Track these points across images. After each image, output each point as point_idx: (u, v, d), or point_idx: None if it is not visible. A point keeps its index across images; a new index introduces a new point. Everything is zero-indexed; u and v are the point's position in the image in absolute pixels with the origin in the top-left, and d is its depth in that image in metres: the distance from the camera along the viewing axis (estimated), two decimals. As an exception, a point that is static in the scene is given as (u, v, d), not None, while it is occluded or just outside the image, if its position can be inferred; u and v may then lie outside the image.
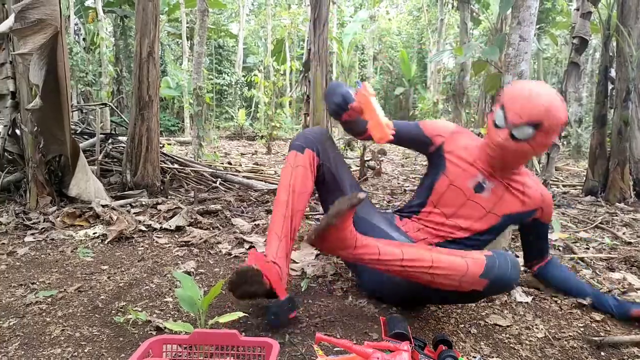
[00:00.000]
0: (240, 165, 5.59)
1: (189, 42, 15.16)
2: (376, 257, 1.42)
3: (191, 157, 5.47)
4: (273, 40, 13.78)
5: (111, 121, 5.22)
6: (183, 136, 12.42)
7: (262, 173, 4.98)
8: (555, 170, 6.58)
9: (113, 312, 1.64)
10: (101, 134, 3.95)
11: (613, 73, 4.34)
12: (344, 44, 15.63)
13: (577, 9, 4.07)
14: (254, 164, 6.87)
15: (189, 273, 2.03)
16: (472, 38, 9.34)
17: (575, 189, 4.78)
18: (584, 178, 4.54)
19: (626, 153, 3.98)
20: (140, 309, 1.65)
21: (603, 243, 2.73)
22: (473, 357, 1.26)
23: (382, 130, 1.39)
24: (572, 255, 2.44)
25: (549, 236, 2.81)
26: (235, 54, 18.63)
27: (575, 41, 4.02)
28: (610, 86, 4.32)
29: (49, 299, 1.72)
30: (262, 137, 10.01)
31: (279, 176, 4.79)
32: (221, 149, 10.39)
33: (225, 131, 15.61)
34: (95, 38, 10.16)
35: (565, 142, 10.27)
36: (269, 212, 3.24)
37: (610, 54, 4.32)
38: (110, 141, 3.95)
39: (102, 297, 1.76)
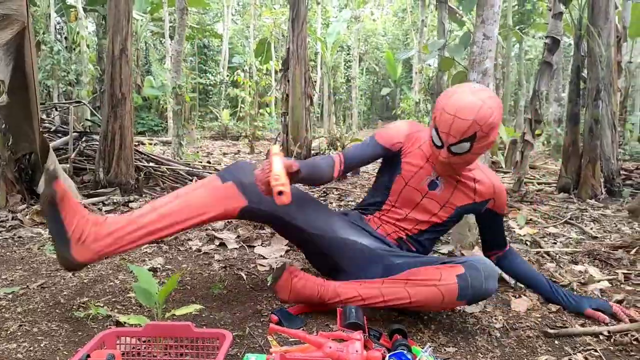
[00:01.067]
0: (220, 164, 5.58)
1: (172, 41, 15.05)
2: (361, 302, 1.51)
3: (169, 157, 5.43)
4: (256, 40, 13.75)
5: (86, 119, 5.16)
6: (167, 136, 12.33)
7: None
8: (533, 168, 6.68)
9: (74, 307, 1.63)
10: (75, 132, 3.91)
11: (585, 72, 4.43)
12: (328, 44, 15.66)
13: (550, 10, 4.14)
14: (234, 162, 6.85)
15: (155, 269, 2.03)
16: (450, 39, 9.45)
17: (550, 187, 4.86)
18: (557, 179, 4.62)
19: (597, 150, 4.06)
20: (102, 305, 1.64)
21: (570, 238, 2.78)
22: (429, 346, 1.28)
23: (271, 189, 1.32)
24: (538, 250, 2.49)
25: (519, 231, 2.88)
26: (220, 53, 18.54)
27: (547, 41, 4.10)
28: (582, 85, 4.41)
29: (10, 296, 1.70)
30: (245, 136, 9.98)
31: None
32: (204, 149, 10.34)
33: (210, 131, 15.52)
34: (76, 37, 10.03)
35: (545, 142, 10.43)
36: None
37: (582, 53, 4.40)
38: (84, 139, 3.91)
39: (64, 293, 1.75)
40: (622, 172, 4.43)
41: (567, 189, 4.31)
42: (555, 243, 2.69)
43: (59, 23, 12.28)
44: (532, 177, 5.51)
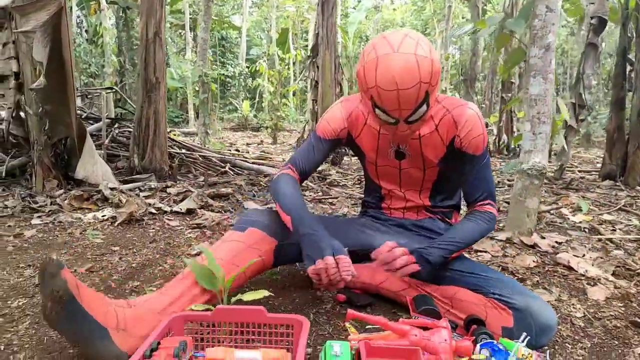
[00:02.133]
0: (248, 152, 5.50)
1: (192, 32, 15.03)
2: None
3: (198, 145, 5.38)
4: (277, 30, 13.62)
5: (118, 107, 5.09)
6: (188, 128, 12.33)
7: (270, 160, 4.89)
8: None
9: (127, 291, 1.55)
10: (107, 118, 3.85)
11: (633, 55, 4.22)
12: (349, 33, 15.46)
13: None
14: (261, 152, 6.78)
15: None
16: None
17: (591, 175, 4.67)
18: (598, 165, 4.43)
19: (646, 135, 3.86)
20: (154, 289, 1.56)
21: (630, 225, 2.63)
22: (526, 336, 1.17)
23: None
24: (600, 237, 2.35)
25: (573, 218, 2.73)
26: (238, 45, 18.48)
27: (593, 21, 3.90)
28: (628, 68, 4.20)
29: (59, 280, 1.63)
30: (267, 127, 9.90)
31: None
32: (226, 140, 10.30)
33: (230, 122, 15.52)
34: (98, 28, 10.05)
35: (580, 126, 10.13)
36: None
37: (629, 34, 4.19)
38: (116, 126, 3.86)
39: (114, 277, 1.68)
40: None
41: (612, 177, 4.12)
42: (615, 230, 2.54)
43: (79, 17, 12.34)
44: (570, 166, 5.31)
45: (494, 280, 1.32)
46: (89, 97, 4.48)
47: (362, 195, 1.73)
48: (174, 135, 8.47)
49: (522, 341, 1.10)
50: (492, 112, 12.62)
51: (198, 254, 1.89)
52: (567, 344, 1.30)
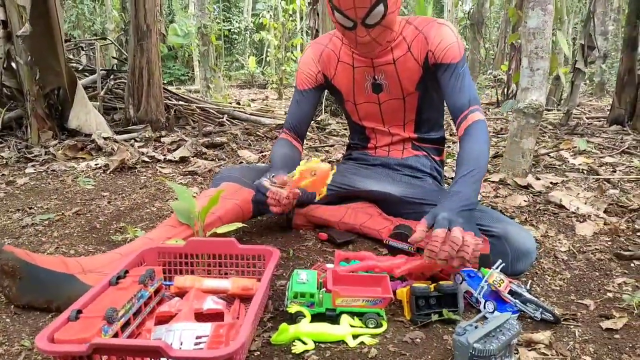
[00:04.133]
0: (249, 106, 5.44)
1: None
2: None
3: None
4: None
5: (112, 57, 4.99)
6: (194, 85, 12.21)
7: (272, 112, 4.83)
8: (578, 105, 6.28)
9: (111, 232, 1.57)
10: (102, 69, 3.81)
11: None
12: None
13: None
14: (263, 106, 6.71)
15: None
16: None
17: (599, 121, 4.54)
18: (608, 113, 4.28)
19: (658, 78, 3.71)
20: (139, 230, 1.57)
21: (631, 166, 2.56)
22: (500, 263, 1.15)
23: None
24: (597, 177, 2.29)
25: (573, 160, 2.67)
26: (243, 0, 17.97)
27: (606, -45, 3.67)
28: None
29: (46, 222, 1.66)
30: (273, 82, 9.76)
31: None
32: (232, 97, 10.20)
33: (236, 80, 15.32)
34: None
35: (588, 80, 9.81)
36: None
37: (645, -31, 3.94)
38: (111, 77, 3.81)
39: (100, 219, 1.69)
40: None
41: (620, 121, 3.99)
42: (615, 171, 2.48)
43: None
44: (578, 112, 5.17)
45: (477, 212, 1.30)
46: (84, 49, 4.42)
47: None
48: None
49: (497, 268, 1.08)
50: (504, 62, 12.26)
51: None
52: (546, 276, 1.29)
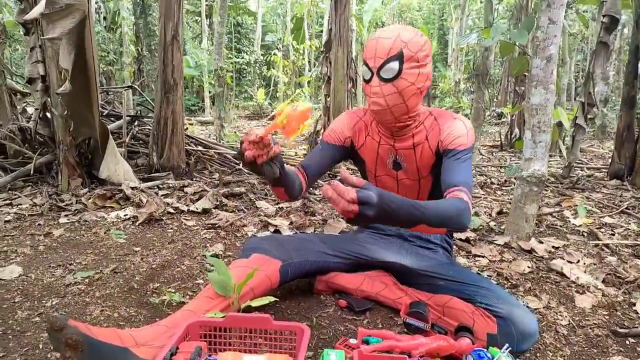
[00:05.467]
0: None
1: (208, 20, 15.09)
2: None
3: (213, 139, 5.53)
4: (292, 18, 13.61)
5: (134, 102, 5.19)
6: (203, 116, 12.50)
7: (282, 154, 5.01)
8: (580, 152, 6.46)
9: (148, 293, 1.71)
10: (127, 116, 4.01)
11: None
12: (364, 21, 15.37)
13: (609, -13, 3.93)
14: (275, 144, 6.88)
15: (217, 256, 2.10)
16: (497, 15, 9.13)
17: (600, 172, 4.70)
18: (609, 160, 4.46)
19: (655, 136, 3.89)
20: (173, 291, 1.72)
21: (629, 229, 2.70)
22: (507, 347, 1.29)
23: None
24: (597, 242, 2.43)
25: (574, 221, 2.81)
26: (253, 32, 18.50)
27: (604, 20, 3.91)
28: (640, 67, 4.20)
29: (87, 280, 1.80)
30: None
31: (300, 158, 4.82)
32: (241, 129, 10.45)
33: (245, 111, 15.65)
34: (117, 18, 10.19)
35: (589, 123, 10.02)
36: (291, 194, 3.30)
37: (642, 33, 4.18)
38: (136, 123, 4.02)
39: (136, 278, 1.84)
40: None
41: (620, 176, 4.15)
42: (614, 234, 2.62)
43: (97, 3, 12.51)
44: (580, 162, 5.33)
45: (484, 290, 1.44)
46: (109, 94, 4.65)
47: None
48: (190, 126, 8.63)
49: (504, 351, 1.22)
50: (507, 100, 12.55)
51: (214, 256, 2.04)
52: (548, 351, 1.42)
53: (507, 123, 7.46)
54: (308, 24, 13.53)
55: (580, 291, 1.86)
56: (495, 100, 11.09)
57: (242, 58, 17.10)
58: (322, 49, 5.46)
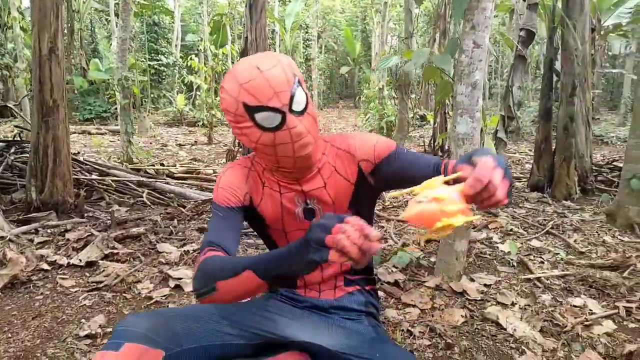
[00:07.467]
0: (175, 165, 5.13)
1: (118, 18, 14.04)
2: None
3: (117, 159, 4.96)
4: (210, 22, 12.99)
5: (15, 126, 4.37)
6: (116, 123, 11.55)
7: (198, 174, 4.58)
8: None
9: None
10: (1, 141, 3.39)
11: (558, 66, 4.28)
12: (286, 24, 15.12)
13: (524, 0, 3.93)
14: (191, 159, 6.39)
15: (94, 336, 1.67)
16: (416, 24, 9.21)
17: (520, 182, 4.75)
18: (527, 165, 4.49)
19: (572, 149, 3.93)
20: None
21: (557, 254, 2.61)
22: None
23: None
24: (529, 276, 2.30)
25: (502, 247, 2.69)
26: (172, 32, 17.57)
27: (522, 34, 3.89)
28: (554, 79, 4.26)
29: None
30: (203, 124, 9.45)
31: (216, 176, 4.43)
32: (158, 139, 9.72)
33: (164, 117, 14.80)
34: (7, 17, 9.08)
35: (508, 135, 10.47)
36: (201, 230, 2.89)
37: (555, 46, 4.24)
38: (12, 150, 3.40)
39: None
40: (593, 168, 4.33)
41: (539, 188, 4.18)
42: (543, 262, 2.52)
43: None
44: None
45: None
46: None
47: None
48: (100, 134, 7.83)
49: None
50: (428, 101, 12.85)
51: (87, 337, 1.63)
52: None
53: (430, 127, 7.50)
54: (230, 26, 12.95)
55: (520, 349, 1.67)
56: (417, 103, 11.26)
57: (159, 60, 16.14)
58: (240, 51, 5.07)
